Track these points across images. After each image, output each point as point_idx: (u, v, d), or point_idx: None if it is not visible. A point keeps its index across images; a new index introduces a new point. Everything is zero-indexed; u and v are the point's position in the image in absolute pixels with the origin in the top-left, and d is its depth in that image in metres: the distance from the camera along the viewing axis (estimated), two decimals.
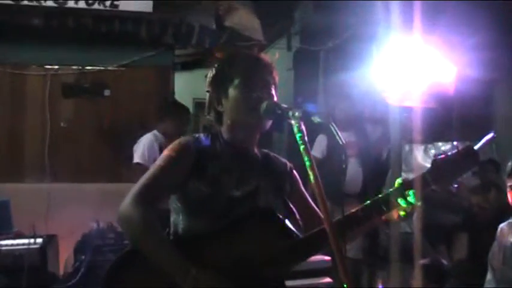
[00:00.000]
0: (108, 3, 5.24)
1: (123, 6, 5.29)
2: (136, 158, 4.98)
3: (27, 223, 4.65)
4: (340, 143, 1.90)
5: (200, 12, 5.52)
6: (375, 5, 5.89)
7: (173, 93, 6.03)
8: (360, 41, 6.04)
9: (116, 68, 5.66)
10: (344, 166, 2.34)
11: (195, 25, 5.53)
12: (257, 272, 1.91)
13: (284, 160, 2.29)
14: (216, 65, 2.23)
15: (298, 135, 1.95)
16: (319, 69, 7.68)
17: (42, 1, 5.15)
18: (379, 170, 5.73)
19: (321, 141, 5.65)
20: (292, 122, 1.98)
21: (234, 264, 1.91)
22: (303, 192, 2.23)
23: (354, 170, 5.50)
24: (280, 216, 2.00)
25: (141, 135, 5.08)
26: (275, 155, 2.31)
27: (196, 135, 2.15)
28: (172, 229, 2.08)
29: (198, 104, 9.85)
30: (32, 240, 4.37)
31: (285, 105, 2.05)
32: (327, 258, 3.81)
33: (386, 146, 5.79)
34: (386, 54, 5.37)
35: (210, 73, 2.26)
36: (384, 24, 5.78)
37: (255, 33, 5.70)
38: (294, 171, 2.26)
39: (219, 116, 2.17)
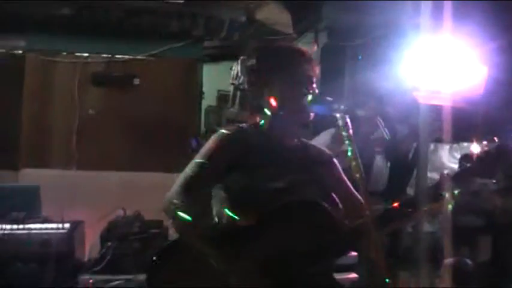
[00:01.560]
0: None
1: None
2: None
3: (54, 209, 4.71)
4: (386, 138, 1.92)
5: (230, 5, 5.52)
6: (405, 3, 5.88)
7: (201, 85, 6.06)
8: (389, 38, 6.02)
9: (145, 58, 5.68)
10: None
11: (225, 18, 5.54)
12: (305, 263, 1.92)
13: (324, 149, 2.30)
14: (257, 56, 2.24)
15: (342, 128, 1.97)
16: (346, 66, 7.67)
17: None
18: (405, 169, 5.71)
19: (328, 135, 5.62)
20: (338, 115, 2.00)
21: (280, 255, 1.92)
22: (345, 182, 2.23)
23: (379, 168, 5.48)
24: (327, 207, 2.01)
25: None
26: (314, 144, 2.32)
27: (240, 126, 2.16)
28: (216, 219, 2.09)
29: (223, 96, 9.90)
30: (60, 225, 4.41)
31: (330, 99, 2.06)
32: (353, 253, 3.81)
33: (413, 145, 5.76)
34: (416, 52, 5.34)
35: (248, 62, 2.26)
36: (413, 23, 5.77)
37: (285, 27, 5.71)
38: (335, 160, 2.27)
39: (259, 108, 2.18)
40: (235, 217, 2.00)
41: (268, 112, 2.17)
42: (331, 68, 8.18)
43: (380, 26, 6.15)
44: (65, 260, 4.35)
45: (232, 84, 9.33)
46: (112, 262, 4.43)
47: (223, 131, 2.12)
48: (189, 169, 2.04)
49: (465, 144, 6.88)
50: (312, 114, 2.15)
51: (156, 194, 5.07)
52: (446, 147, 6.76)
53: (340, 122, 2.00)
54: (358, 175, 1.89)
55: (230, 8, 5.53)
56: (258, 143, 2.10)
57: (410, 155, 5.82)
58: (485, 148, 2.02)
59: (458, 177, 1.98)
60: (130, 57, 5.67)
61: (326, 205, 2.01)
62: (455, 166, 6.60)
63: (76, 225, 4.61)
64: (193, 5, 5.47)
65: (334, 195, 2.17)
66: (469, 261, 4.26)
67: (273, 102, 2.15)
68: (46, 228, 4.41)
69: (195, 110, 6.00)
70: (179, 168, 5.60)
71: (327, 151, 2.33)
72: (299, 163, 2.16)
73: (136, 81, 5.55)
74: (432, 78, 5.30)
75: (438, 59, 5.21)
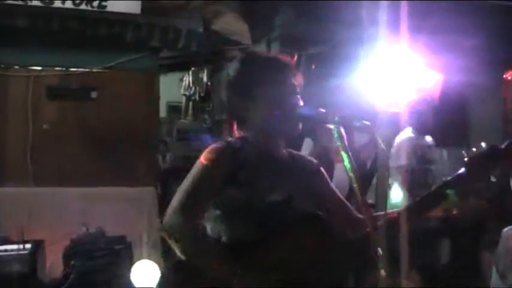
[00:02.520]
0: (95, 3, 5.16)
1: (111, 7, 5.20)
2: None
3: (12, 228, 4.54)
4: (384, 148, 1.93)
5: (187, 15, 5.48)
6: (360, 12, 5.97)
7: (158, 96, 5.97)
8: (343, 47, 6.10)
9: (102, 70, 5.56)
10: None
11: (182, 29, 5.48)
12: (308, 277, 1.90)
13: (310, 158, 2.28)
14: (240, 66, 2.20)
15: (338, 140, 1.97)
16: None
17: (28, 0, 5.03)
18: (364, 177, 5.78)
19: (308, 146, 5.69)
20: (332, 126, 1.99)
21: (284, 270, 1.89)
22: (334, 191, 2.23)
23: (340, 176, 5.52)
24: (326, 220, 2.00)
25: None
26: (299, 154, 2.30)
27: (228, 141, 2.12)
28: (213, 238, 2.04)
29: (172, 108, 9.80)
30: (20, 246, 4.25)
31: (323, 110, 2.06)
32: None
33: (372, 153, 5.84)
34: (371, 60, 5.43)
35: (229, 72, 2.20)
36: (369, 31, 5.86)
37: (242, 37, 5.70)
38: (322, 169, 2.26)
39: (241, 120, 2.14)
40: (235, 234, 1.96)
41: (253, 124, 2.13)
42: None
43: (335, 35, 6.22)
44: (27, 281, 4.20)
45: (184, 95, 9.27)
46: (76, 281, 4.31)
47: (213, 147, 2.06)
48: (188, 185, 1.95)
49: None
50: (300, 126, 2.13)
51: (118, 208, 5.06)
52: (393, 150, 6.90)
53: (334, 134, 1.99)
54: (356, 186, 1.89)
55: (187, 19, 5.47)
56: (249, 157, 2.05)
57: (369, 164, 5.90)
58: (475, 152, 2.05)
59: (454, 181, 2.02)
60: (87, 69, 5.52)
61: (327, 218, 2.00)
62: None
63: (37, 244, 4.46)
64: (150, 16, 5.39)
65: (326, 205, 2.16)
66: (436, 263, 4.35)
67: (257, 114, 2.11)
68: (6, 250, 4.24)
69: (155, 122, 5.91)
70: (142, 182, 5.49)
71: (314, 160, 2.31)
72: (290, 175, 2.13)
73: (94, 94, 5.42)
74: (389, 86, 5.41)
75: (394, 67, 5.32)
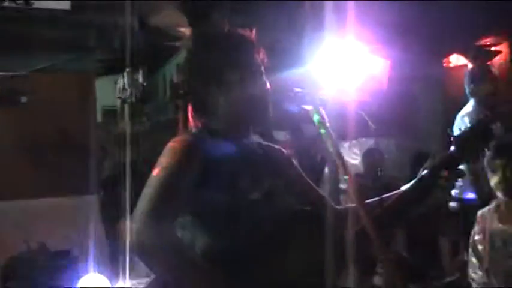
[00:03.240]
0: (20, 1, 4.77)
1: (38, 3, 4.82)
2: None
3: None
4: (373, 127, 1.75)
5: (123, 12, 5.15)
6: (303, 3, 5.83)
7: (95, 100, 5.63)
8: (290, 39, 5.95)
9: (30, 74, 5.15)
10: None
11: (117, 26, 5.16)
12: (310, 279, 1.67)
13: (277, 146, 2.05)
14: (195, 47, 1.95)
15: (316, 119, 1.77)
16: None
17: None
18: (314, 169, 5.65)
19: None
20: (309, 107, 1.79)
21: (284, 275, 1.64)
22: (304, 177, 2.00)
23: None
24: (318, 215, 1.78)
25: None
26: (267, 143, 2.06)
27: (192, 132, 1.86)
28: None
29: (107, 112, 9.40)
30: None
31: (298, 89, 1.85)
32: None
33: (321, 145, 5.71)
34: (318, 51, 5.29)
35: (185, 55, 1.95)
36: (313, 22, 5.73)
37: (182, 32, 5.44)
38: (291, 158, 2.04)
39: (203, 108, 1.87)
40: (215, 241, 1.66)
41: (220, 111, 1.87)
42: None
43: (278, 27, 6.05)
44: None
45: (119, 98, 8.89)
46: None
47: (183, 138, 1.79)
48: (156, 188, 1.60)
49: (363, 139, 6.99)
50: (271, 109, 1.90)
51: (60, 220, 4.70)
52: (346, 144, 6.82)
53: (314, 117, 1.77)
54: (346, 176, 1.69)
55: (122, 15, 5.15)
56: (219, 150, 1.79)
57: (319, 156, 5.78)
58: None
59: None
60: (15, 73, 5.11)
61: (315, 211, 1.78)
62: (356, 162, 6.71)
63: None
64: (82, 13, 5.04)
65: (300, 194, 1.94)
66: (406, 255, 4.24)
67: (224, 100, 1.85)
68: None
69: (93, 127, 5.54)
70: (83, 190, 5.13)
71: (282, 149, 2.08)
72: (265, 167, 1.89)
73: (24, 99, 5.01)
74: (336, 75, 5.28)
75: (341, 56, 5.20)
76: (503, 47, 6.87)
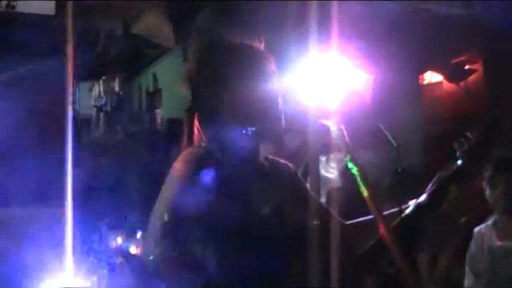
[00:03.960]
0: (3, 3, 4.67)
1: (21, 7, 4.72)
2: None
3: None
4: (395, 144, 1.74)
5: (107, 17, 5.09)
6: (288, 12, 5.84)
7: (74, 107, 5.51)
8: (271, 48, 5.95)
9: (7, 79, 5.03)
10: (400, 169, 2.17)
11: (100, 31, 5.09)
12: None
13: (284, 161, 2.01)
14: (207, 53, 1.90)
15: (338, 139, 1.75)
16: None
17: None
18: None
19: None
20: (329, 123, 1.77)
21: None
22: (311, 192, 1.97)
23: None
24: (326, 229, 1.76)
25: None
26: (273, 157, 2.02)
27: (202, 145, 1.80)
28: None
29: (82, 120, 9.23)
30: None
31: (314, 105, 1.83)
32: None
33: (304, 157, 5.70)
34: (301, 62, 5.30)
35: (193, 65, 1.89)
36: (297, 34, 5.74)
37: (165, 39, 5.38)
38: (298, 172, 2.01)
39: (211, 119, 1.82)
40: (229, 262, 1.61)
41: (230, 128, 1.81)
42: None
43: (258, 35, 6.04)
44: None
45: (95, 106, 8.77)
46: None
47: (192, 151, 1.73)
48: (168, 206, 1.58)
49: (339, 155, 7.02)
50: (283, 122, 1.86)
51: (29, 232, 4.47)
52: (323, 158, 6.84)
53: (334, 131, 1.75)
54: (366, 193, 1.67)
55: (106, 21, 5.08)
56: (230, 164, 1.74)
57: (301, 167, 5.77)
58: None
59: None
60: None
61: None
62: (333, 176, 6.74)
63: None
64: (65, 18, 4.94)
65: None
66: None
67: (235, 113, 1.80)
68: None
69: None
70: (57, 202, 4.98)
71: (288, 163, 2.05)
72: (272, 181, 1.85)
73: None
74: (320, 88, 5.28)
75: (325, 68, 5.20)
76: (477, 66, 7.01)
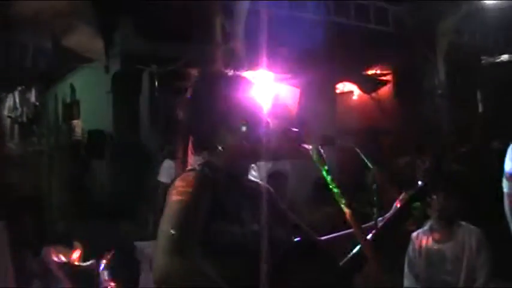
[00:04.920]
0: None
1: None
2: None
3: None
4: (371, 166, 1.90)
5: (36, 31, 5.01)
6: (214, 30, 5.95)
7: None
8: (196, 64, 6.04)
9: None
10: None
11: (29, 45, 5.00)
12: None
13: (262, 182, 2.17)
14: (205, 83, 2.02)
15: (315, 158, 1.91)
16: (142, 92, 7.49)
17: None
18: None
19: (169, 167, 5.58)
20: (309, 146, 1.93)
21: None
22: (289, 212, 2.14)
23: None
24: (308, 246, 1.92)
25: None
26: (254, 179, 2.18)
27: (198, 169, 1.92)
28: None
29: None
30: None
31: (295, 130, 1.99)
32: None
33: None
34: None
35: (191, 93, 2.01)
36: (224, 48, 5.87)
37: (96, 54, 5.36)
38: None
39: (206, 144, 1.96)
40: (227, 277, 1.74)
41: (222, 152, 1.95)
42: (125, 96, 7.92)
43: (185, 53, 6.11)
44: None
45: (9, 117, 8.46)
46: None
47: (191, 174, 1.85)
48: (176, 223, 1.63)
49: (262, 163, 7.22)
50: (271, 148, 2.02)
51: None
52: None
53: (314, 155, 1.92)
54: (345, 209, 1.84)
55: (35, 34, 5.01)
56: (223, 185, 1.89)
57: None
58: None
59: None
60: None
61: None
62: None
63: None
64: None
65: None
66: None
67: (232, 134, 1.94)
68: None
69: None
70: None
71: (262, 182, 2.21)
72: (260, 202, 2.01)
73: None
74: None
75: (253, 83, 5.36)
76: (389, 78, 7.47)
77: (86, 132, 7.54)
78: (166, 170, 5.63)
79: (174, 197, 1.73)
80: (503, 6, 5.55)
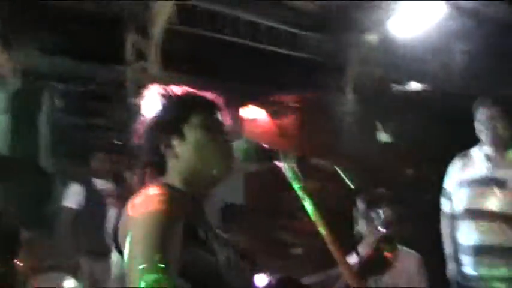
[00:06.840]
0: None
1: None
2: None
3: None
4: (352, 187, 1.88)
5: None
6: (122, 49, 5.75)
7: None
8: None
9: None
10: None
11: None
12: None
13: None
14: (163, 103, 1.90)
15: (293, 178, 1.85)
16: (42, 111, 7.09)
17: None
18: None
19: (76, 191, 5.33)
20: (284, 164, 1.87)
21: None
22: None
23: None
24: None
25: None
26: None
27: (167, 186, 1.77)
28: None
29: None
30: None
31: (265, 146, 1.91)
32: None
33: None
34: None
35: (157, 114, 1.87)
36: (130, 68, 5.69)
37: (2, 69, 5.00)
38: None
39: (163, 166, 1.83)
40: None
41: (181, 167, 1.84)
42: (22, 115, 7.45)
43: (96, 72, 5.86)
44: None
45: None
46: None
47: (161, 192, 1.69)
48: (148, 244, 1.47)
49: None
50: (233, 168, 1.92)
51: None
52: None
53: (288, 173, 1.86)
54: (323, 230, 1.78)
55: None
56: (189, 207, 1.75)
57: None
58: None
59: None
60: None
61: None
62: None
63: None
64: None
65: None
66: None
67: (189, 156, 1.83)
68: None
69: None
70: None
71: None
72: (217, 222, 1.92)
73: None
74: None
75: None
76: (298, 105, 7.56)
77: None
78: (73, 195, 5.36)
79: (146, 221, 1.57)
80: (411, 38, 5.82)
